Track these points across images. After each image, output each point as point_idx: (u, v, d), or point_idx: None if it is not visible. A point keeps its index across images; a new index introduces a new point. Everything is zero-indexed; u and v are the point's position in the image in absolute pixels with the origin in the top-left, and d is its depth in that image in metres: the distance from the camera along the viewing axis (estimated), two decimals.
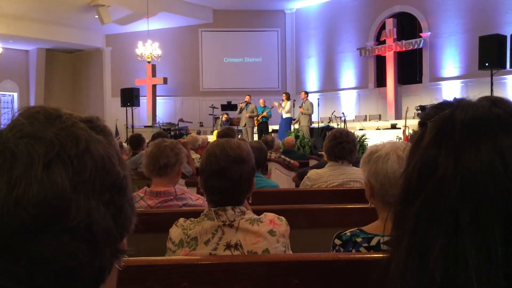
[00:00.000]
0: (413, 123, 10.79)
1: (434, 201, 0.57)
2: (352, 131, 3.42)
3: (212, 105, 15.19)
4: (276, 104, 13.28)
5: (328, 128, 11.89)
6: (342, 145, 3.11)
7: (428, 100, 13.51)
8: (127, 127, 14.58)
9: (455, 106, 0.62)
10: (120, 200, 0.51)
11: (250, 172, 1.67)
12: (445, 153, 0.58)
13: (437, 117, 0.62)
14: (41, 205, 0.44)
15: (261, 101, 13.81)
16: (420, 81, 15.21)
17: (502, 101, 0.60)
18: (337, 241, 1.60)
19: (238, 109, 13.75)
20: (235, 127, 11.48)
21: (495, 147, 0.56)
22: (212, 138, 10.41)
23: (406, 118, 11.49)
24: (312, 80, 17.78)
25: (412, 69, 15.42)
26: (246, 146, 1.70)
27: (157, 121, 16.03)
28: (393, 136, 11.47)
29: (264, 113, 13.29)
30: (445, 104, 0.64)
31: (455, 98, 0.65)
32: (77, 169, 0.46)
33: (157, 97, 17.16)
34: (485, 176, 0.55)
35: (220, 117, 14.50)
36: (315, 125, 12.73)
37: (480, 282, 0.53)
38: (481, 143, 0.57)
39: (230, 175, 1.61)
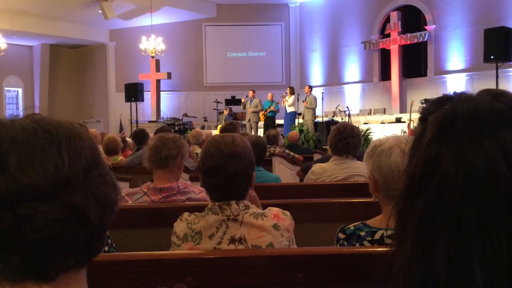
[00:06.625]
0: (418, 117, 10.75)
1: (437, 199, 0.57)
2: (357, 125, 3.42)
3: (216, 99, 15.19)
4: (283, 97, 13.25)
5: (332, 122, 11.87)
6: (346, 139, 3.10)
7: (433, 94, 13.41)
8: (131, 122, 14.61)
9: (456, 101, 0.61)
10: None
11: (247, 167, 1.65)
12: (447, 148, 0.57)
13: (438, 113, 0.61)
14: None
15: (269, 95, 13.76)
16: (425, 75, 15.13)
17: (503, 95, 0.59)
18: (341, 235, 1.60)
19: (242, 105, 13.76)
20: (239, 122, 11.49)
21: (498, 142, 0.55)
22: (216, 133, 10.42)
23: (411, 112, 11.46)
24: (316, 74, 17.72)
25: (416, 63, 15.33)
26: (241, 141, 1.67)
27: (161, 116, 16.02)
28: (398, 130, 11.45)
29: (272, 107, 13.26)
30: (445, 99, 0.63)
31: (455, 92, 0.64)
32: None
33: (161, 92, 17.13)
34: (487, 172, 0.54)
35: (224, 111, 14.51)
36: (319, 119, 12.71)
37: (485, 279, 0.52)
38: (483, 138, 0.56)
39: (225, 171, 1.60)
